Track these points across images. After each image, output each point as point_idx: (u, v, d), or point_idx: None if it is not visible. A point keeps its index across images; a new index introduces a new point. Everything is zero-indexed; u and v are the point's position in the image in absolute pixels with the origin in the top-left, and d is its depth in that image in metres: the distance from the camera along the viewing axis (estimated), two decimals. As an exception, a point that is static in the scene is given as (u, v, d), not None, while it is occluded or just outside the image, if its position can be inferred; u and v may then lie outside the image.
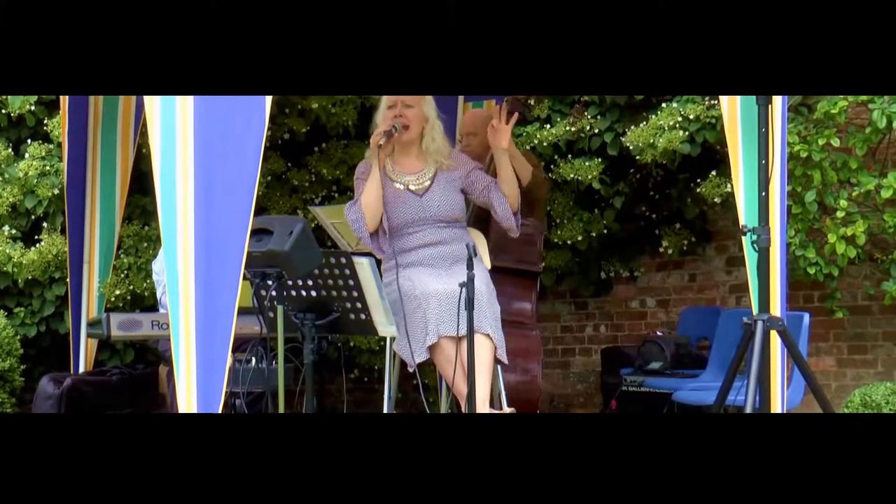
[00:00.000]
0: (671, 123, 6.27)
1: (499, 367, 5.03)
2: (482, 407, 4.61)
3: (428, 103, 5.06)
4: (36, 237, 6.69)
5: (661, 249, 7.45)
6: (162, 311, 5.86)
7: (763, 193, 4.53)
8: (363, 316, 4.53)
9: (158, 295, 5.93)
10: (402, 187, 5.02)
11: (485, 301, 4.83)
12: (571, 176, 6.76)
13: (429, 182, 5.06)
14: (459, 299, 4.55)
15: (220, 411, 3.49)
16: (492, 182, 5.09)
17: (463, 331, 4.59)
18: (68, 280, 6.50)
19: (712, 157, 6.57)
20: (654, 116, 6.39)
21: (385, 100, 5.06)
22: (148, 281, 6.41)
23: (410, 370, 4.98)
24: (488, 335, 4.79)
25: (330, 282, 4.50)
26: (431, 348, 4.80)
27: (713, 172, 6.48)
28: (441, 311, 4.78)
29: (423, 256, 4.97)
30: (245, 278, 3.86)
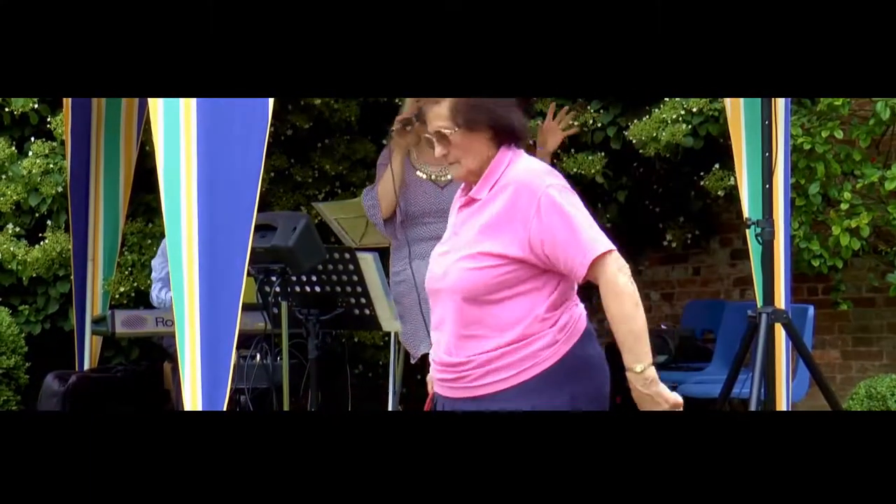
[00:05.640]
0: (674, 117, 6.27)
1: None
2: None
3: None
4: (40, 235, 6.70)
5: (665, 243, 7.45)
6: (155, 307, 5.88)
7: (767, 186, 4.53)
8: (367, 311, 4.54)
9: (154, 293, 5.93)
10: (424, 176, 5.00)
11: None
12: (574, 170, 6.75)
13: (451, 175, 5.06)
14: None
15: (225, 408, 3.49)
16: None
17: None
18: (72, 277, 6.51)
19: (715, 150, 6.57)
20: (656, 110, 6.38)
21: None
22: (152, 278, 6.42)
23: (413, 361, 4.98)
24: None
25: (334, 277, 4.50)
26: (436, 340, 4.80)
27: (716, 165, 6.48)
28: None
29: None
30: (249, 274, 3.86)
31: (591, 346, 3.36)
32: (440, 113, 3.24)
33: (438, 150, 3.28)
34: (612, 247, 3.15)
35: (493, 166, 3.24)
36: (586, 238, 3.12)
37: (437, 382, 3.32)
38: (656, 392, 3.16)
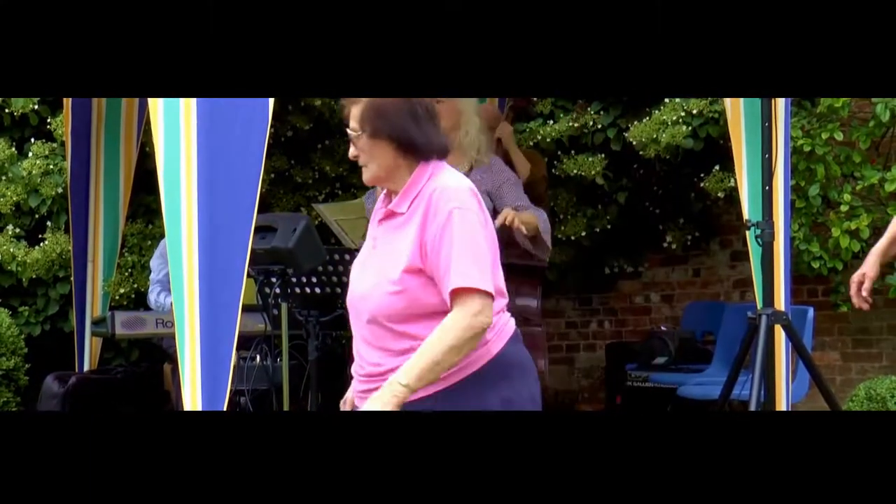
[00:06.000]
0: (674, 118, 6.27)
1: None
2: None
3: (464, 97, 4.94)
4: (40, 236, 6.70)
5: (665, 244, 7.45)
6: (152, 308, 5.88)
7: (767, 188, 4.53)
8: (367, 312, 4.53)
9: (153, 297, 5.92)
10: None
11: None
12: (574, 172, 6.76)
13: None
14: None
15: (224, 409, 3.49)
16: (524, 207, 4.93)
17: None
18: (72, 279, 6.51)
19: (715, 151, 6.57)
20: (657, 111, 6.39)
21: None
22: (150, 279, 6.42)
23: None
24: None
25: (334, 278, 4.51)
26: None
27: (717, 167, 6.48)
28: None
29: None
30: (249, 276, 3.86)
31: (520, 347, 3.22)
32: (354, 114, 3.21)
33: (351, 151, 3.26)
34: (485, 288, 3.02)
35: (414, 179, 3.16)
36: (460, 266, 3.00)
37: (360, 395, 3.22)
38: (375, 408, 3.02)
